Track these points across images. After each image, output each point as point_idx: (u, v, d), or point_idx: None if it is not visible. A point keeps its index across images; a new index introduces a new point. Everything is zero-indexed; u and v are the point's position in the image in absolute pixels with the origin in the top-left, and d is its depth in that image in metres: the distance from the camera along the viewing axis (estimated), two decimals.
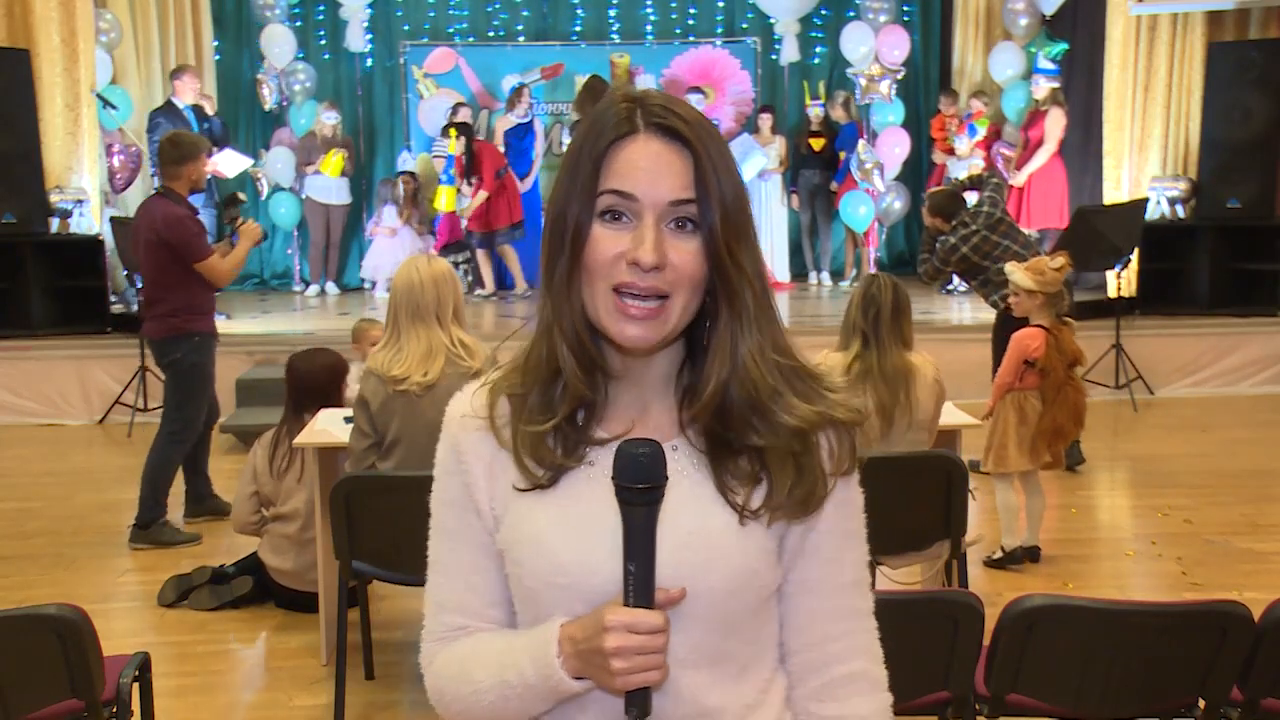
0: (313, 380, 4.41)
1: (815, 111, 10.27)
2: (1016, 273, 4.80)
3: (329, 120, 9.83)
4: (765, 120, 10.18)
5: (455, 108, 10.00)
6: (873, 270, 10.02)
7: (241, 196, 5.32)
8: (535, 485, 1.24)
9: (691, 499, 1.23)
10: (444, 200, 9.58)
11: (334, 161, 9.80)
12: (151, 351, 5.32)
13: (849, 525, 1.30)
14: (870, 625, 1.31)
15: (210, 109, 9.32)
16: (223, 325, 5.64)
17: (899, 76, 10.29)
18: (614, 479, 1.16)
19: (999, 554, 4.77)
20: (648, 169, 1.19)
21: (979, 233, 5.75)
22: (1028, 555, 4.79)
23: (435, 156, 9.92)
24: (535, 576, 1.24)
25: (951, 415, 3.99)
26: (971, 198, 6.15)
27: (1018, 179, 9.16)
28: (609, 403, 1.27)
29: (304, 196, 9.99)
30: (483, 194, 9.43)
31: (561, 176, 1.24)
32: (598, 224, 1.20)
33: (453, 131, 9.58)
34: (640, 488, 1.15)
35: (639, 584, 1.16)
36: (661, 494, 1.16)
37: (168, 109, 8.72)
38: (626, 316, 1.19)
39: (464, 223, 9.62)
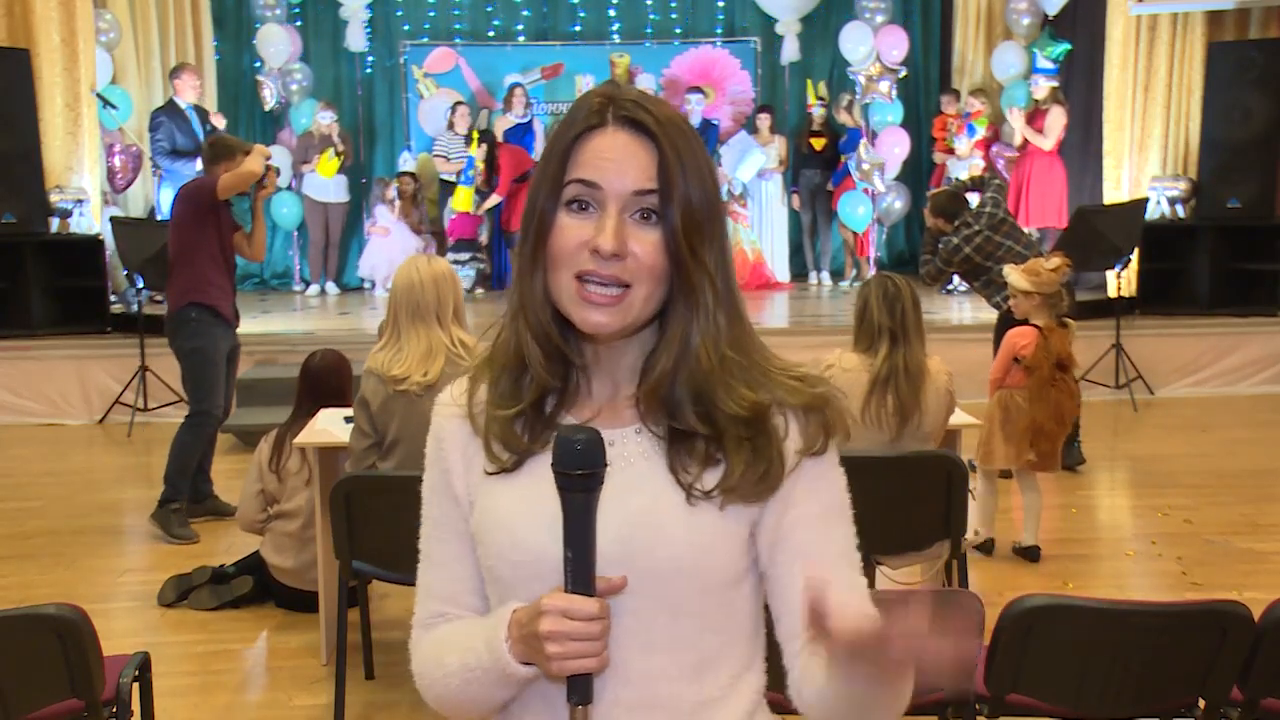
0: (330, 380, 4.42)
1: (819, 111, 10.26)
2: (1013, 274, 4.83)
3: (324, 120, 9.82)
4: (763, 120, 10.17)
5: (454, 107, 10.01)
6: (872, 270, 10.05)
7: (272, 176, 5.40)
8: (501, 469, 1.28)
9: (645, 480, 1.25)
10: (462, 200, 9.63)
11: (329, 162, 9.80)
12: (166, 336, 5.35)
13: (827, 502, 1.28)
14: (863, 595, 1.28)
15: (210, 110, 9.32)
16: None
17: (899, 76, 10.29)
18: (553, 465, 1.18)
19: (978, 541, 4.79)
20: (613, 159, 1.22)
21: (981, 233, 5.76)
22: (1026, 555, 4.79)
23: (437, 156, 9.93)
24: (497, 556, 1.27)
25: (952, 415, 3.99)
26: (972, 199, 6.15)
27: (1019, 136, 9.16)
28: (579, 390, 1.30)
29: (302, 195, 10.00)
30: (496, 198, 9.58)
31: (537, 169, 1.28)
32: (563, 213, 1.23)
33: (475, 134, 9.64)
34: (577, 474, 1.17)
35: (577, 570, 1.17)
36: (599, 481, 1.17)
37: (170, 108, 8.71)
38: (589, 303, 1.21)
39: (485, 222, 9.73)
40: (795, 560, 1.26)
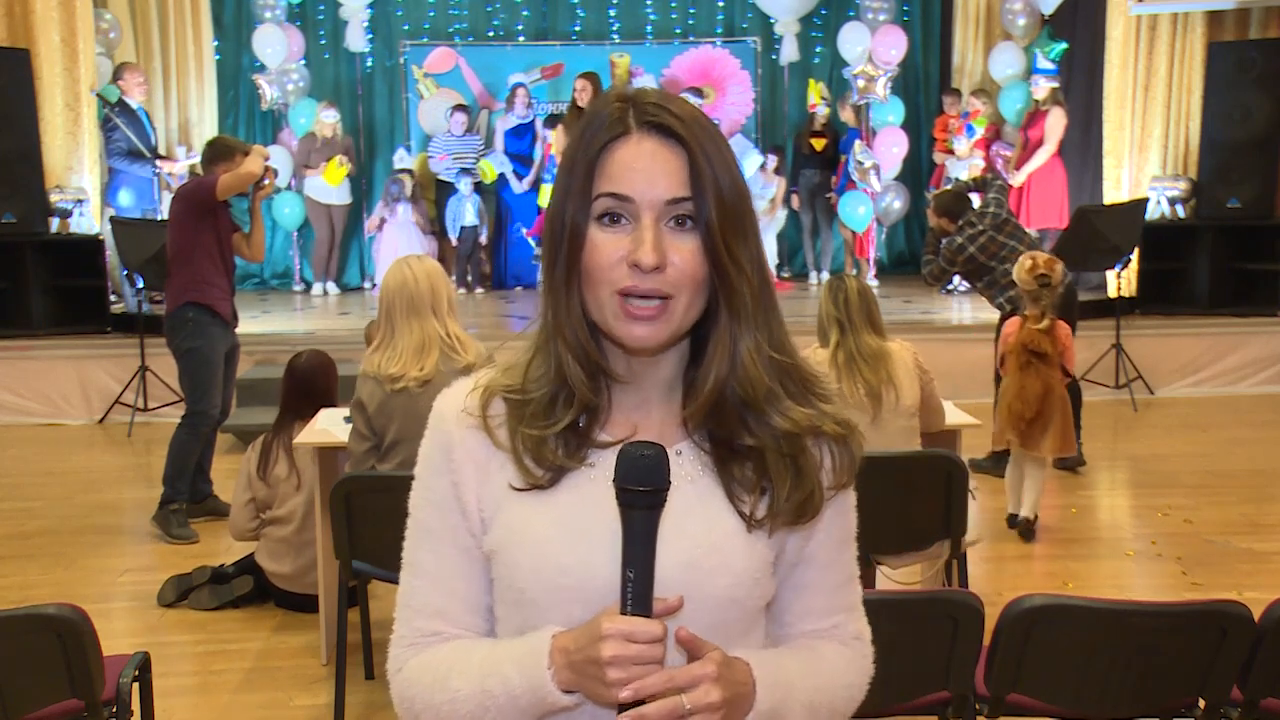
0: (317, 380, 4.41)
1: (823, 111, 10.24)
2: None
3: (328, 119, 9.81)
4: (771, 160, 10.15)
5: (452, 110, 10.01)
6: (871, 271, 10.06)
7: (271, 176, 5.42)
8: (534, 485, 1.22)
9: (698, 504, 1.22)
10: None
11: (337, 171, 9.77)
12: (165, 336, 5.35)
13: (844, 532, 1.32)
14: (859, 614, 1.36)
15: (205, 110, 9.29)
16: None
17: (894, 76, 10.29)
18: (615, 481, 1.13)
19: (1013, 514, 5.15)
20: (643, 169, 1.17)
21: (985, 233, 5.77)
22: (1016, 526, 5.09)
23: (431, 157, 9.93)
24: (533, 578, 1.21)
25: (952, 415, 4.00)
26: (973, 200, 6.16)
27: (1017, 179, 9.17)
28: (612, 406, 1.25)
29: (304, 196, 9.98)
30: None
31: (558, 180, 1.23)
32: (595, 228, 1.18)
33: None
34: (642, 491, 1.12)
35: (637, 591, 1.12)
36: (663, 498, 1.13)
37: (122, 108, 8.47)
38: (632, 318, 1.17)
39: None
40: (805, 585, 1.30)
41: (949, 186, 6.85)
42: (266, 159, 5.23)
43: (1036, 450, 4.98)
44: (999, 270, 5.78)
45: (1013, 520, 5.11)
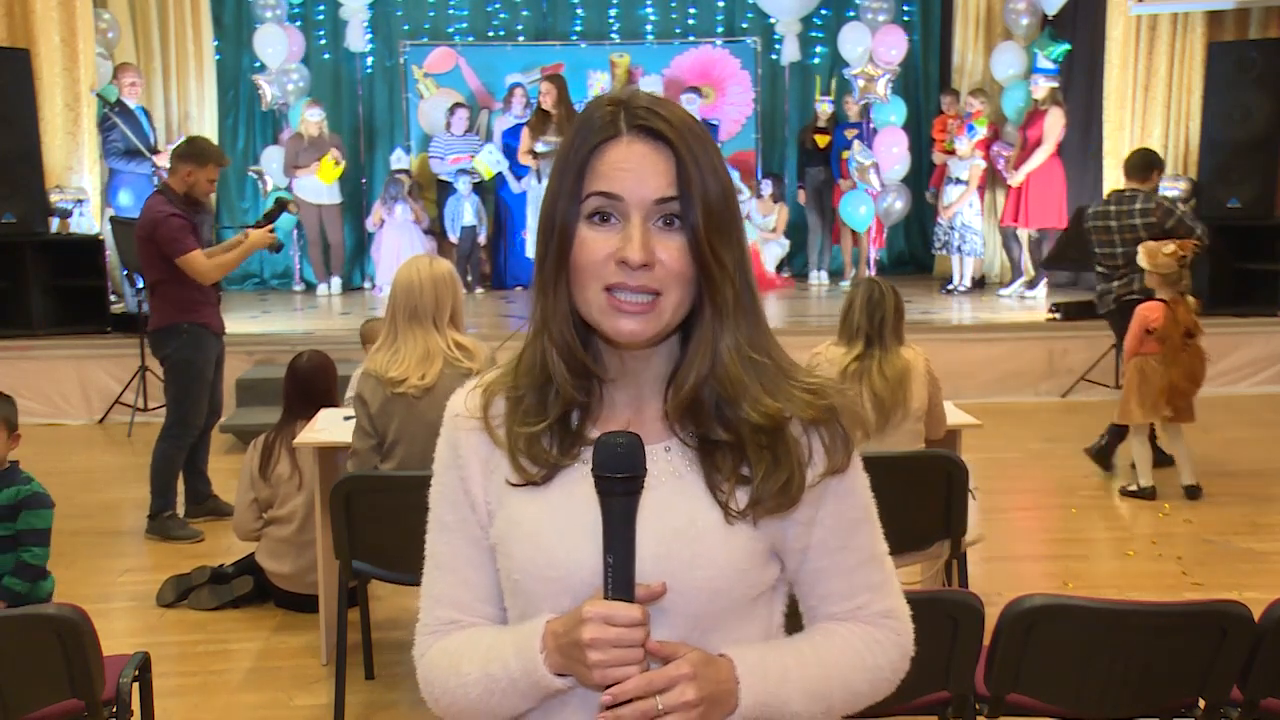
0: (318, 380, 4.42)
1: (824, 108, 10.25)
2: (1140, 252, 5.51)
3: (313, 118, 9.72)
4: (766, 186, 10.14)
5: (453, 108, 10.01)
6: (871, 271, 10.04)
7: (293, 208, 5.26)
8: (529, 481, 1.27)
9: (680, 497, 1.25)
10: None
11: (333, 169, 9.73)
12: (150, 345, 5.34)
13: (853, 514, 1.32)
14: (887, 591, 1.35)
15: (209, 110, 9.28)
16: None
17: (895, 76, 10.29)
18: (592, 470, 1.17)
19: (1134, 487, 5.56)
20: (632, 169, 1.21)
21: (1110, 218, 5.84)
22: (1190, 494, 5.52)
23: (432, 157, 9.92)
24: (525, 570, 1.26)
25: (952, 415, 4.00)
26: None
27: (1015, 178, 9.17)
28: (604, 403, 1.30)
29: (294, 196, 9.95)
30: None
31: (551, 180, 1.27)
32: (585, 226, 1.22)
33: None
34: (618, 478, 1.16)
35: (618, 576, 1.17)
36: (640, 485, 1.17)
37: (120, 108, 8.47)
38: (621, 312, 1.21)
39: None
40: (820, 571, 1.31)
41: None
42: (275, 248, 5.25)
43: (1191, 420, 5.48)
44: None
45: (1146, 491, 5.54)
